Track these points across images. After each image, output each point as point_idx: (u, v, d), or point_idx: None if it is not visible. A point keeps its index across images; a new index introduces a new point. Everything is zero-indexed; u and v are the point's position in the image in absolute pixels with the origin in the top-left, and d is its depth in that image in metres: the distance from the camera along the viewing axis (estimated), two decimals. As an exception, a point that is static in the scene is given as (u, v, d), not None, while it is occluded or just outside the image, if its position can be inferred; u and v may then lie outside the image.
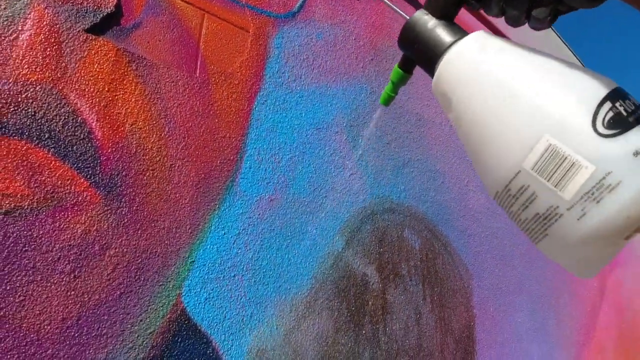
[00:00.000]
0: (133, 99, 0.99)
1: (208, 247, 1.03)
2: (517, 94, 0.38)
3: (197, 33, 1.15)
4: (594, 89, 0.36)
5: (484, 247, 1.97)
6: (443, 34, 0.47)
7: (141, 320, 0.91)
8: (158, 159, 1.00)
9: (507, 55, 0.41)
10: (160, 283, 0.94)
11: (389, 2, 0.61)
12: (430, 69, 0.48)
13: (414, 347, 1.46)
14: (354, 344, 1.27)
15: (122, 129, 0.95)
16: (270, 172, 1.21)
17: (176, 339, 0.95)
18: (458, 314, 1.71)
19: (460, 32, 0.47)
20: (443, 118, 1.95)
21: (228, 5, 1.24)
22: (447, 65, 0.45)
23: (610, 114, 0.35)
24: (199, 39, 1.14)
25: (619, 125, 0.34)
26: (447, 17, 0.48)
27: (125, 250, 0.91)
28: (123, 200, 0.93)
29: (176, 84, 1.07)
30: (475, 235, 1.92)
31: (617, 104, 0.35)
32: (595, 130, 0.34)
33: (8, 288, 0.77)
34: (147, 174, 0.98)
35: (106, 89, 0.95)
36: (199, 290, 0.99)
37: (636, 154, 0.34)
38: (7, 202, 0.79)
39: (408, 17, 0.50)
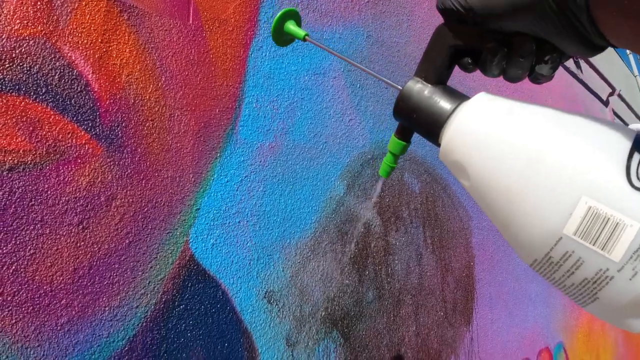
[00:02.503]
0: (127, 50, 0.97)
1: (212, 194, 1.05)
2: (542, 156, 0.36)
3: (188, -21, 1.12)
4: (619, 141, 0.35)
5: (482, 189, 1.99)
6: (442, 101, 0.44)
7: (151, 267, 0.93)
8: (157, 109, 1.00)
9: (519, 115, 0.39)
10: (168, 231, 0.96)
11: (379, 75, 0.57)
12: (434, 137, 0.45)
13: (416, 287, 1.50)
14: (358, 284, 1.31)
15: (119, 80, 0.95)
16: (269, 119, 1.21)
17: (186, 283, 0.97)
18: (458, 255, 1.75)
19: (460, 96, 0.45)
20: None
21: (218, -51, 1.20)
22: (455, 133, 0.42)
23: None
24: (190, -14, 1.12)
25: None
26: (441, 81, 0.46)
27: (130, 200, 0.92)
28: (125, 151, 0.93)
29: (170, 32, 1.05)
30: (474, 177, 1.94)
31: None
32: (632, 184, 0.33)
33: (18, 242, 0.78)
34: (147, 124, 0.98)
35: (99, 40, 0.94)
36: (205, 236, 1.01)
37: None
38: (10, 159, 0.79)
39: (400, 88, 0.47)
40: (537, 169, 0.36)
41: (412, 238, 1.53)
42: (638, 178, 0.33)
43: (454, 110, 0.44)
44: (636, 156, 0.34)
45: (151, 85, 1.00)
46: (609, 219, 0.33)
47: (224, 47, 1.15)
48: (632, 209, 0.33)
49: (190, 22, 1.10)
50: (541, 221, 0.36)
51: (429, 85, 0.46)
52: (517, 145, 0.38)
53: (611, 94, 4.62)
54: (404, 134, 0.52)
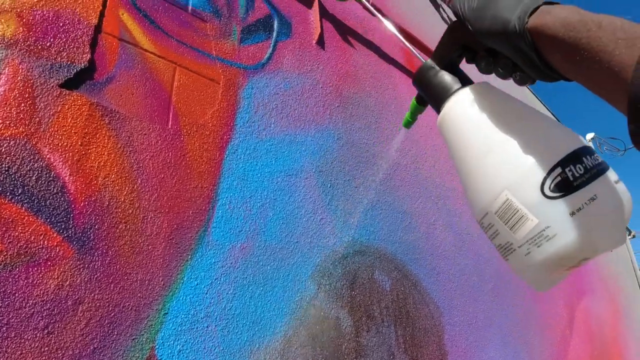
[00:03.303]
0: (106, 153, 1.00)
1: (181, 298, 1.03)
2: (492, 150, 0.49)
3: (169, 86, 1.18)
4: (552, 152, 0.45)
5: (453, 284, 2.01)
6: (444, 84, 0.57)
7: (115, 375, 0.90)
8: (131, 211, 1.01)
9: (490, 112, 0.51)
10: (134, 337, 0.94)
11: (407, 43, 0.73)
12: (436, 110, 0.58)
13: (387, 389, 1.46)
14: (328, 389, 1.27)
15: (95, 182, 0.97)
16: (241, 221, 1.23)
17: (150, 392, 0.94)
18: (430, 353, 1.73)
19: (462, 82, 0.56)
20: (409, 160, 2.01)
21: (199, 58, 1.28)
22: (446, 112, 0.55)
23: (558, 179, 0.44)
24: (170, 92, 1.18)
25: (563, 189, 0.44)
26: (449, 66, 0.57)
27: (98, 304, 0.91)
28: (96, 254, 0.93)
29: (149, 136, 1.09)
30: (443, 272, 1.96)
31: (567, 169, 0.44)
32: (543, 192, 0.44)
33: (-22, 346, 0.76)
34: (120, 226, 0.99)
35: (79, 143, 0.97)
36: (172, 342, 0.99)
37: (572, 214, 0.43)
38: (-22, 259, 0.79)
39: (423, 61, 0.59)
40: (486, 158, 0.49)
41: (384, 338, 1.51)
42: (550, 189, 0.44)
43: (452, 94, 0.55)
44: (557, 170, 0.44)
45: (127, 188, 1.02)
46: (518, 210, 0.46)
47: (200, 150, 1.19)
48: (536, 210, 0.45)
49: (169, 126, 1.14)
50: (480, 196, 0.50)
51: (438, 68, 0.58)
52: (480, 135, 0.51)
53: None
54: (420, 100, 0.65)
